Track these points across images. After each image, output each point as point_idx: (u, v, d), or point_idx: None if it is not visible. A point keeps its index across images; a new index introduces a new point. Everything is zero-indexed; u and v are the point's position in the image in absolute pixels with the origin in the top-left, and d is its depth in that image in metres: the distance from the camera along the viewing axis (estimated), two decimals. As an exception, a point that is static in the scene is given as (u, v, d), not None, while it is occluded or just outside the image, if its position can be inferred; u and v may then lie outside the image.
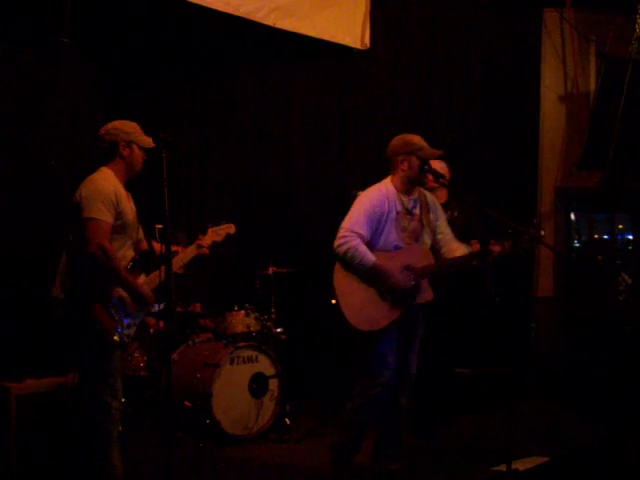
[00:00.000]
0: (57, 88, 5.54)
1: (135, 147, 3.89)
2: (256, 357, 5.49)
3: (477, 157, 7.09)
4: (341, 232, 4.23)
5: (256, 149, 6.70)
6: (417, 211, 4.40)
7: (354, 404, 4.38)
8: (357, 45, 6.63)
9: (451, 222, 5.34)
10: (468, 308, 5.43)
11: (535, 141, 7.20)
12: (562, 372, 6.50)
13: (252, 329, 5.60)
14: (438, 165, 5.52)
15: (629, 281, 6.90)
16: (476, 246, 5.26)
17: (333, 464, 4.41)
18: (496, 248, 4.29)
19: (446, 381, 5.43)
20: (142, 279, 3.91)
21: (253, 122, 6.67)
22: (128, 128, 3.90)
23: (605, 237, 7.82)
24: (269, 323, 5.71)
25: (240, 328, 5.57)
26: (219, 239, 4.29)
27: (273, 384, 5.52)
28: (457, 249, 4.49)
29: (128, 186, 4.00)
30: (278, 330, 5.74)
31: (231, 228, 4.35)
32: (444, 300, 5.35)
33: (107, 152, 3.88)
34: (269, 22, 5.92)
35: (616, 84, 6.49)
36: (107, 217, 3.70)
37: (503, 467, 4.05)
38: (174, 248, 5.66)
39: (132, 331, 3.82)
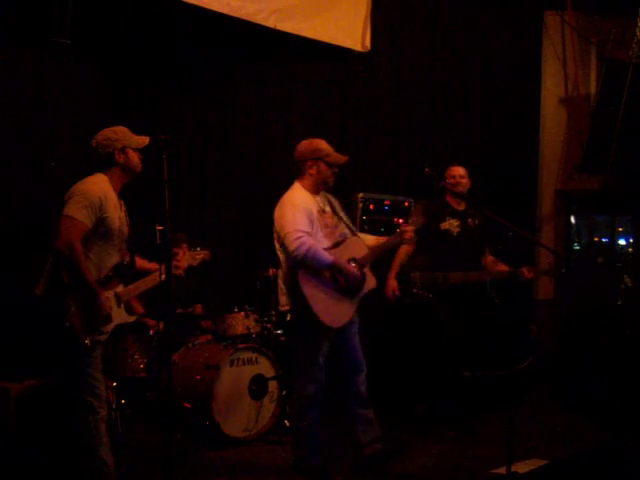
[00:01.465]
0: (58, 89, 5.54)
1: (129, 150, 3.90)
2: (256, 359, 5.48)
3: (477, 159, 7.10)
4: (291, 236, 4.27)
5: (256, 150, 6.70)
6: (328, 209, 4.57)
7: (295, 411, 4.56)
8: (358, 47, 6.63)
9: (470, 229, 5.39)
10: (469, 310, 5.44)
11: (535, 143, 7.22)
12: (562, 374, 6.50)
13: (252, 331, 5.60)
14: (462, 172, 5.56)
15: (630, 284, 6.90)
16: (489, 257, 5.59)
17: (298, 473, 4.55)
18: (408, 227, 4.53)
19: (447, 383, 5.44)
20: (120, 288, 3.91)
21: (253, 123, 6.67)
22: (117, 135, 3.91)
23: (605, 240, 7.83)
24: (269, 325, 5.70)
25: (240, 330, 5.56)
26: (195, 263, 4.41)
27: (273, 386, 5.51)
28: (370, 238, 4.73)
29: (128, 189, 4.01)
30: (278, 332, 5.74)
31: (207, 255, 4.49)
32: (445, 303, 5.38)
33: (103, 161, 3.91)
34: (270, 24, 5.92)
35: (616, 87, 6.51)
36: (85, 219, 3.71)
37: (503, 470, 4.05)
38: (173, 250, 5.69)
39: (103, 337, 3.82)
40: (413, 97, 7.11)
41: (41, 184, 5.46)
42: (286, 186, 6.70)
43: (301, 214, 4.35)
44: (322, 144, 4.55)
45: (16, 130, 5.36)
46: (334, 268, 4.33)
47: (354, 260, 4.49)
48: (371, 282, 4.57)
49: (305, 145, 4.57)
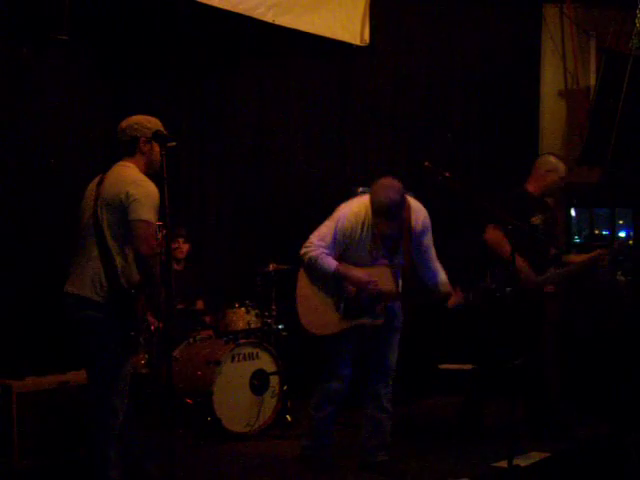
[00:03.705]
0: (56, 86, 5.53)
1: (155, 144, 3.81)
2: (257, 354, 5.49)
3: (477, 153, 7.09)
4: (307, 242, 4.36)
5: (256, 146, 6.69)
6: (395, 233, 4.32)
7: (314, 401, 4.55)
8: (356, 41, 6.63)
9: (549, 222, 5.24)
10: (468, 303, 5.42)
11: (535, 136, 7.20)
12: (563, 368, 6.49)
13: (253, 326, 5.60)
14: (563, 167, 5.28)
15: (623, 278, 6.89)
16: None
17: (302, 462, 4.58)
18: (459, 299, 4.41)
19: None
20: None
21: (252, 119, 6.66)
22: (150, 124, 3.82)
23: (605, 232, 7.83)
24: (270, 320, 5.70)
25: (241, 325, 5.57)
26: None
27: (274, 381, 5.52)
28: (433, 274, 4.47)
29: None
30: (279, 327, 5.74)
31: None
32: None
33: (126, 146, 3.81)
34: (268, 19, 5.91)
35: (616, 79, 6.50)
36: (155, 220, 3.67)
37: (504, 463, 4.06)
38: (173, 245, 5.70)
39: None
40: (412, 91, 7.09)
41: (40, 181, 5.46)
42: (287, 181, 6.77)
43: (333, 233, 4.31)
44: (379, 203, 4.20)
45: (14, 127, 5.35)
46: (338, 274, 4.29)
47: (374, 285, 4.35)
48: (377, 319, 4.33)
49: (375, 191, 4.25)
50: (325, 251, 4.31)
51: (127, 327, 3.65)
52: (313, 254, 4.31)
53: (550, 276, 5.10)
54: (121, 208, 3.63)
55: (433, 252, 4.47)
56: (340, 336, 4.39)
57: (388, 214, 4.20)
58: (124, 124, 3.84)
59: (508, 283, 4.87)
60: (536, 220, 5.18)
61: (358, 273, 4.31)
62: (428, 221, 4.44)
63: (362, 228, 4.32)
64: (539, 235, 5.04)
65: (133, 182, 3.68)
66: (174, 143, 3.74)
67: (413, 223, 4.35)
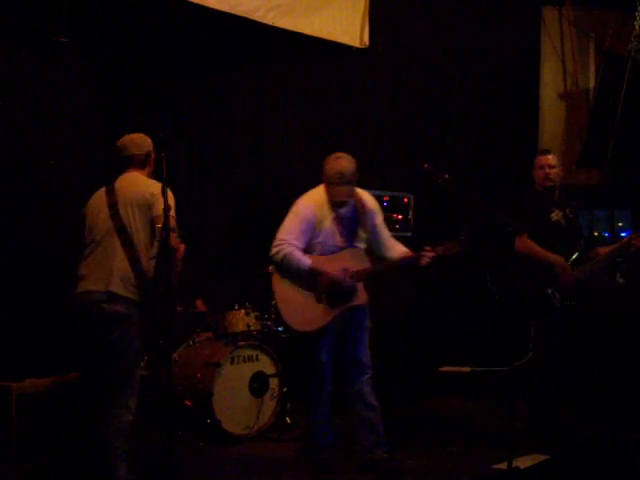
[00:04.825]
0: (55, 88, 5.54)
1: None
2: (256, 356, 5.49)
3: (476, 155, 7.09)
4: (274, 241, 4.45)
5: (255, 148, 6.69)
6: (351, 216, 4.55)
7: (307, 406, 4.63)
8: (356, 44, 6.63)
9: (571, 219, 5.26)
10: (468, 305, 5.43)
11: (534, 139, 7.21)
12: (562, 369, 6.49)
13: (252, 328, 5.60)
14: (553, 161, 5.27)
15: (622, 280, 6.89)
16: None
17: (307, 462, 4.65)
18: (429, 253, 4.45)
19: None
20: None
21: (252, 120, 6.66)
22: (151, 144, 4.08)
23: (605, 234, 7.82)
24: (269, 322, 5.70)
25: (240, 327, 5.56)
26: None
27: (273, 383, 5.52)
28: (394, 249, 4.65)
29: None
30: (278, 329, 5.74)
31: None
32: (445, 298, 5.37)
33: (141, 160, 4.03)
34: (267, 21, 5.92)
35: (615, 81, 6.50)
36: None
37: (504, 465, 4.05)
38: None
39: None
40: (411, 93, 7.10)
41: (39, 181, 5.46)
42: (285, 184, 6.76)
43: (300, 226, 4.45)
44: (331, 170, 4.49)
45: (14, 129, 5.36)
46: (314, 272, 4.39)
47: (345, 271, 4.46)
48: (361, 297, 4.52)
49: (326, 163, 4.55)
50: (296, 243, 4.41)
51: (153, 322, 3.78)
52: (286, 251, 4.39)
53: (585, 268, 5.09)
54: (146, 206, 3.85)
55: (387, 231, 4.71)
56: (320, 333, 4.43)
57: (341, 178, 4.44)
58: (138, 140, 4.04)
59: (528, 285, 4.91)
60: (555, 216, 5.21)
61: (331, 272, 4.41)
62: (377, 206, 4.70)
63: (321, 209, 4.48)
64: (537, 236, 5.06)
65: (152, 183, 3.93)
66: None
67: (366, 208, 4.58)
